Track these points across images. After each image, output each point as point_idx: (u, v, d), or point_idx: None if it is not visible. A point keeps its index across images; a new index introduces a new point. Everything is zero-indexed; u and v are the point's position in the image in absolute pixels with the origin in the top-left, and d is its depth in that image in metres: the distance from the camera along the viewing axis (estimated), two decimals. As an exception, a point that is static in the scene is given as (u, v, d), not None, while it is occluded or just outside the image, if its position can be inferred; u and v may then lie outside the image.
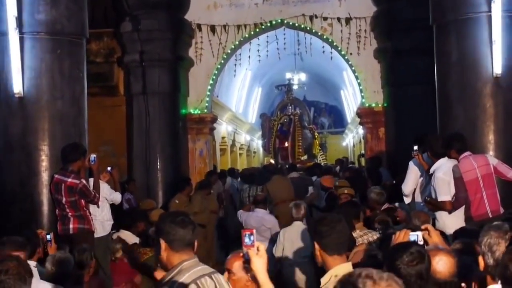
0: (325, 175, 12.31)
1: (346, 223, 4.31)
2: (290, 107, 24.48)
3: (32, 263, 5.52)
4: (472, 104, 8.28)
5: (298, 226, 8.31)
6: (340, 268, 4.06)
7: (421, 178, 8.21)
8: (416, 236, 4.10)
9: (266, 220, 9.64)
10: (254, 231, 3.33)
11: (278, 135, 22.60)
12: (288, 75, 24.70)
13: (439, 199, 7.20)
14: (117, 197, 8.82)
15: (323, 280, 4.12)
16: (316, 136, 24.71)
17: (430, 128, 9.13)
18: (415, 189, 8.40)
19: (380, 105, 13.65)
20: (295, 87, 25.57)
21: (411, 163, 8.32)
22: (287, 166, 17.03)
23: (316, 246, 4.18)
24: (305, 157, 22.53)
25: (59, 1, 8.52)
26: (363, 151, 16.24)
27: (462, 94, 8.40)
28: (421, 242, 4.05)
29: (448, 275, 3.65)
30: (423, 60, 11.45)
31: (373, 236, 6.64)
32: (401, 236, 4.13)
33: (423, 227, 4.35)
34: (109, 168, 8.92)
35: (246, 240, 3.27)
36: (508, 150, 8.13)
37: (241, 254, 3.33)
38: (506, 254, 3.16)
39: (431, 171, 7.46)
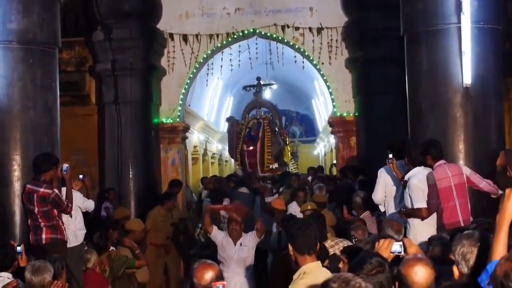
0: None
1: (316, 228, 4.81)
2: (259, 110, 22.23)
3: (6, 275, 5.51)
4: (443, 113, 8.41)
5: None
6: (309, 266, 4.58)
7: (394, 187, 8.27)
8: (399, 245, 4.18)
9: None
10: (226, 283, 3.32)
11: (246, 141, 20.64)
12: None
13: (415, 206, 7.25)
14: (90, 204, 8.74)
15: (295, 276, 4.61)
16: (287, 142, 23.11)
17: (400, 137, 9.23)
18: (386, 197, 8.47)
19: (351, 115, 13.74)
20: (266, 94, 24.66)
21: (380, 171, 8.42)
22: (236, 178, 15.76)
23: (290, 246, 4.70)
24: (276, 165, 21.31)
25: (31, 10, 8.46)
26: (334, 161, 16.20)
27: (432, 103, 8.53)
28: (404, 252, 4.12)
29: (426, 286, 3.69)
30: (394, 70, 11.58)
31: (345, 244, 6.67)
32: (385, 244, 4.24)
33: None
34: (81, 176, 8.83)
35: None
36: (478, 159, 8.25)
37: None
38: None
39: (406, 178, 7.50)
